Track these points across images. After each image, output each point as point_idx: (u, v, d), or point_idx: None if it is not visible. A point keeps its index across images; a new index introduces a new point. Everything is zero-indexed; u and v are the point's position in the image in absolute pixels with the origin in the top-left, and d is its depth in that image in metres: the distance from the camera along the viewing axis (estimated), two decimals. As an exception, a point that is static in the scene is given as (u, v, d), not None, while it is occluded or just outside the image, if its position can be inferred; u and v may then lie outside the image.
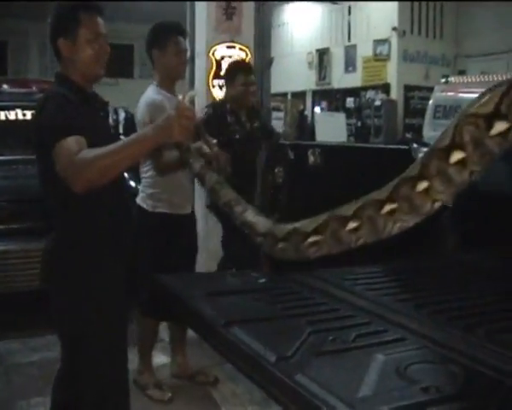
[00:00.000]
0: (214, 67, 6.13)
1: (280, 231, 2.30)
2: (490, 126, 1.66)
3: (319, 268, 3.18)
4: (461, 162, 1.72)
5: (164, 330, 5.33)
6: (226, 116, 5.03)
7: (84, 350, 2.82)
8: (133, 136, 2.73)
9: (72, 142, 2.55)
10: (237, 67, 5.28)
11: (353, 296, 2.89)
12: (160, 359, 5.09)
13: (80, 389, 2.88)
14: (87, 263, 2.78)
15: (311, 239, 2.16)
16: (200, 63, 6.33)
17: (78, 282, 2.78)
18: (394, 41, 16.91)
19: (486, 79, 12.11)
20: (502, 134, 1.66)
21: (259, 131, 5.13)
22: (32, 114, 6.98)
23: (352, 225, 2.05)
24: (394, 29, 16.79)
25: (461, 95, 12.32)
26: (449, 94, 12.58)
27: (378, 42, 17.23)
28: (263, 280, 3.19)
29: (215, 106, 5.27)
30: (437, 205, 1.84)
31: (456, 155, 1.72)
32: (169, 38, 4.29)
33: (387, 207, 1.94)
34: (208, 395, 4.53)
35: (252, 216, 2.55)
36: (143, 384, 4.46)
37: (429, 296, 2.88)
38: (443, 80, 12.96)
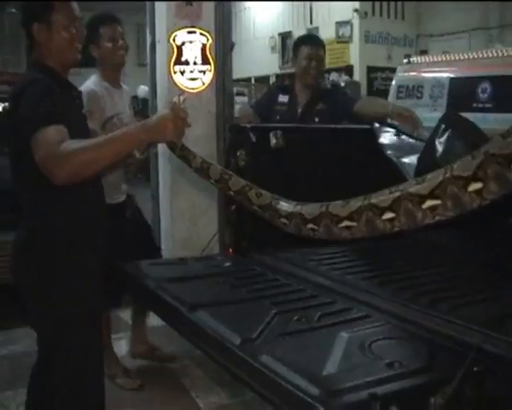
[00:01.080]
0: (175, 53, 6.08)
1: (309, 212, 2.27)
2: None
3: (284, 249, 3.20)
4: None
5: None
6: (277, 95, 4.77)
7: (60, 345, 2.72)
8: (120, 131, 2.66)
9: (53, 131, 2.45)
10: (302, 38, 5.16)
11: (318, 276, 2.90)
12: (127, 348, 5.07)
13: (56, 384, 2.79)
14: (61, 256, 2.66)
15: (344, 224, 2.14)
16: (160, 49, 6.27)
17: (53, 275, 2.67)
18: (356, 23, 16.92)
19: (448, 59, 12.18)
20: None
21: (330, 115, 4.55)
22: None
23: (388, 215, 2.03)
24: (356, 11, 16.80)
25: (423, 74, 12.38)
26: (411, 74, 12.62)
27: (340, 24, 17.22)
28: (227, 264, 3.19)
29: (274, 88, 5.28)
30: (484, 203, 1.84)
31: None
32: (101, 28, 4.25)
33: (429, 203, 1.93)
34: (177, 380, 4.52)
35: (271, 198, 2.51)
36: (111, 374, 4.43)
37: (393, 274, 2.90)
38: (405, 61, 12.97)
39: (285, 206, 2.42)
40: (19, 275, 2.76)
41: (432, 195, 1.91)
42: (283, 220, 2.39)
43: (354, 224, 2.13)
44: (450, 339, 2.21)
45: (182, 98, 2.70)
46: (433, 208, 1.93)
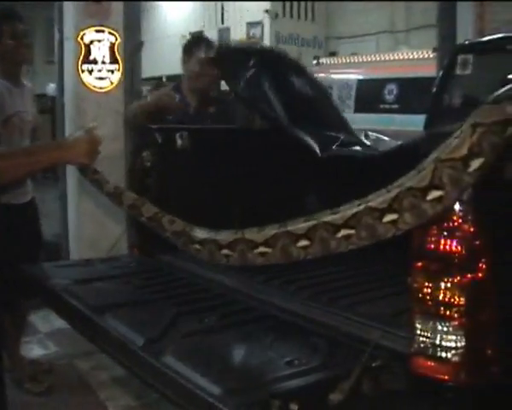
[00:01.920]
0: (83, 52, 6.01)
1: (224, 238, 2.28)
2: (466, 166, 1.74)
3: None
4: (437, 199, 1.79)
5: (41, 323, 5.26)
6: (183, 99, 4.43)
7: None
8: (35, 146, 2.60)
9: None
10: (193, 42, 4.73)
11: (222, 276, 2.92)
12: (35, 351, 5.02)
13: None
14: None
15: (259, 249, 2.16)
16: (68, 47, 6.19)
17: None
18: (267, 23, 17.04)
19: (356, 60, 12.42)
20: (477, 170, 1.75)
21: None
22: None
23: (303, 242, 2.06)
24: (267, 11, 16.92)
25: (332, 76, 12.58)
26: (320, 75, 12.79)
27: (251, 24, 17.31)
28: (133, 264, 3.19)
29: (177, 86, 4.67)
30: (398, 233, 1.90)
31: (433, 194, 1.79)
32: (2, 25, 4.18)
33: (343, 232, 1.98)
34: (85, 382, 4.49)
35: (183, 225, 2.51)
36: (18, 379, 4.36)
37: (292, 275, 2.93)
38: (314, 62, 13.18)
39: (199, 232, 2.43)
40: None
41: (346, 224, 1.97)
42: (197, 247, 2.40)
43: (269, 250, 2.16)
44: (348, 336, 2.27)
45: (95, 125, 2.71)
46: (347, 237, 1.99)
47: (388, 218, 1.89)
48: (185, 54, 4.59)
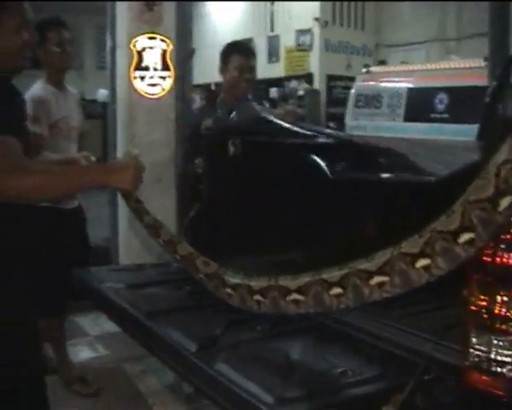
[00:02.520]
0: (136, 59, 6.08)
1: (257, 283, 2.27)
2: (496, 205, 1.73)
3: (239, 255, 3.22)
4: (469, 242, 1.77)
5: (90, 326, 5.32)
6: (216, 110, 4.18)
7: None
8: (82, 167, 2.58)
9: (12, 142, 2.30)
10: (231, 47, 4.51)
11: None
12: (85, 354, 5.07)
13: None
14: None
15: (292, 297, 2.15)
16: (121, 54, 6.26)
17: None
18: (316, 31, 17.02)
19: (406, 69, 12.35)
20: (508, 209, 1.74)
21: None
22: None
23: (336, 290, 2.06)
24: (316, 19, 16.90)
25: (381, 84, 12.52)
26: (370, 83, 12.77)
27: (300, 32, 17.31)
28: (184, 270, 3.19)
29: (209, 95, 4.71)
30: (432, 279, 1.89)
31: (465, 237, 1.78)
32: (47, 32, 4.25)
33: (376, 279, 1.96)
34: (133, 386, 4.52)
35: (216, 268, 2.49)
36: (67, 381, 4.42)
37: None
38: (364, 70, 13.13)
39: (231, 276, 2.39)
40: None
41: (380, 271, 1.95)
42: (228, 291, 2.35)
43: (302, 298, 2.13)
44: (401, 347, 2.25)
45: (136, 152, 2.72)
46: (381, 284, 1.97)
47: (421, 263, 1.87)
48: (222, 60, 4.41)
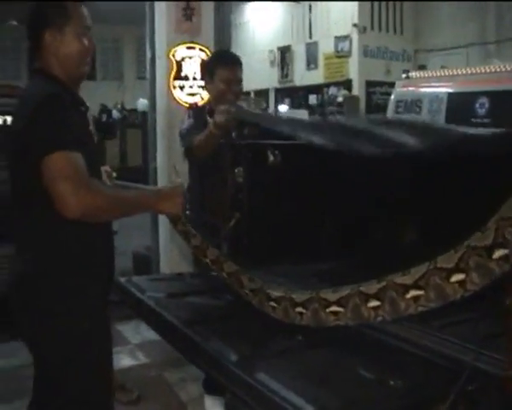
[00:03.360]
0: (175, 69, 6.14)
1: (299, 296, 2.32)
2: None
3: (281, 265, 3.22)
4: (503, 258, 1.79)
5: (131, 334, 5.36)
6: (206, 118, 3.92)
7: (70, 382, 2.52)
8: (138, 192, 2.64)
9: (77, 158, 2.32)
10: (217, 58, 4.32)
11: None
12: (126, 361, 5.12)
13: None
14: (67, 285, 2.49)
15: (332, 308, 2.19)
16: (160, 64, 6.32)
17: (57, 308, 2.48)
18: (355, 37, 16.99)
19: (446, 74, 12.23)
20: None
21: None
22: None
23: (373, 303, 2.09)
24: (355, 25, 16.87)
25: (422, 89, 12.42)
26: (410, 89, 12.66)
27: (339, 38, 17.30)
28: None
29: (196, 112, 4.18)
30: (466, 294, 1.91)
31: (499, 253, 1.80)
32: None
33: (412, 293, 2.00)
34: (174, 394, 4.55)
35: (261, 284, 2.55)
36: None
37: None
38: (404, 75, 13.02)
39: (275, 289, 2.47)
40: (20, 310, 2.56)
41: (416, 285, 1.99)
42: (272, 304, 2.43)
43: (341, 309, 2.18)
44: (443, 357, 2.22)
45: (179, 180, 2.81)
46: (416, 298, 2.00)
47: (456, 278, 1.89)
48: (208, 71, 4.18)
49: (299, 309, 2.31)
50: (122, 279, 3.32)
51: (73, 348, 2.50)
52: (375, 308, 2.10)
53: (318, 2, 17.89)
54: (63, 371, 2.52)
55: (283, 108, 18.64)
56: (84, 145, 2.42)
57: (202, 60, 6.17)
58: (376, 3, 17.24)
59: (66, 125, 2.37)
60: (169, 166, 5.93)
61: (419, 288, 1.98)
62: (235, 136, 3.72)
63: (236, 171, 3.35)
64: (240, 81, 4.08)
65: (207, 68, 4.21)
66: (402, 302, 2.03)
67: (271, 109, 18.59)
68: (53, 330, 2.49)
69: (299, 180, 3.36)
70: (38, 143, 2.33)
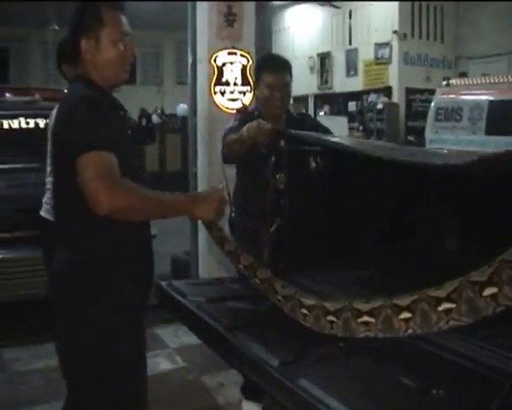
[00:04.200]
0: (216, 74, 6.16)
1: (332, 304, 2.32)
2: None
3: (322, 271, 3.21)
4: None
5: (169, 337, 5.39)
6: None
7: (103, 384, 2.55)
8: (173, 196, 2.62)
9: (110, 158, 2.37)
10: (262, 63, 4.24)
11: (357, 300, 2.90)
12: (164, 365, 5.14)
13: None
14: (107, 286, 2.53)
15: (363, 319, 2.19)
16: (201, 69, 6.35)
17: (97, 307, 2.52)
18: (395, 44, 16.93)
19: (488, 81, 12.13)
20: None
21: None
22: (39, 121, 7.05)
23: (405, 315, 2.09)
24: (395, 32, 16.81)
25: (462, 97, 12.33)
26: (450, 96, 12.59)
27: (379, 45, 17.25)
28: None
29: (243, 116, 4.08)
30: (498, 309, 1.90)
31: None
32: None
33: (444, 306, 2.00)
34: (212, 399, 4.56)
35: (295, 291, 2.56)
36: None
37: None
38: (444, 83, 12.96)
39: (308, 297, 2.47)
40: (60, 308, 2.61)
41: (448, 298, 1.99)
42: (304, 311, 2.43)
43: (372, 320, 2.18)
44: (487, 367, 2.20)
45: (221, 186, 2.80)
46: (448, 311, 2.00)
47: (488, 292, 1.88)
48: (255, 75, 4.17)
49: (331, 318, 2.30)
50: (163, 283, 3.34)
51: (105, 348, 2.52)
52: (406, 320, 2.09)
53: (359, 9, 17.85)
54: (95, 371, 2.55)
55: (320, 114, 18.63)
56: (121, 148, 2.46)
57: (243, 65, 6.20)
58: (417, 10, 17.15)
59: (100, 126, 2.43)
60: (209, 172, 5.96)
61: (451, 301, 1.97)
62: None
63: (278, 177, 3.36)
64: (287, 85, 4.02)
65: (254, 73, 4.22)
66: (433, 315, 2.03)
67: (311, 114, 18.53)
68: (85, 330, 2.53)
69: (340, 186, 3.36)
70: (74, 142, 2.40)
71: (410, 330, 2.10)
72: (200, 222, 5.74)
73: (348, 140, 3.64)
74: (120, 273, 2.57)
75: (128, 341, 2.58)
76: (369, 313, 2.18)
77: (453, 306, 1.97)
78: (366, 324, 2.19)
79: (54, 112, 4.12)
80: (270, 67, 4.03)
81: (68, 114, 2.48)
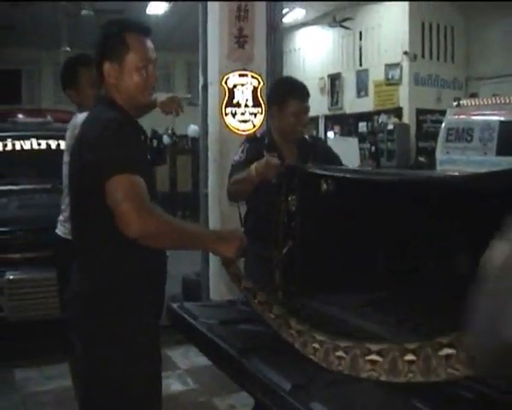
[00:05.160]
0: (227, 96, 6.18)
1: (343, 341, 2.34)
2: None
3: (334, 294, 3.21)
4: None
5: (180, 359, 5.38)
6: (263, 152, 3.75)
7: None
8: (199, 229, 2.67)
9: (141, 182, 2.40)
10: (288, 89, 4.08)
11: (370, 323, 2.89)
12: (175, 386, 5.13)
13: None
14: (125, 308, 2.55)
15: (370, 357, 2.21)
16: (212, 92, 6.38)
17: (115, 330, 2.54)
18: (406, 65, 16.92)
19: (498, 101, 12.12)
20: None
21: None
22: (51, 142, 7.07)
23: (410, 357, 2.13)
24: (405, 53, 16.82)
25: (473, 117, 12.32)
26: (461, 117, 12.58)
27: (389, 66, 17.25)
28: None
29: (252, 145, 4.05)
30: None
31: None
32: (78, 71, 4.52)
33: (445, 351, 2.04)
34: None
35: (309, 327, 2.57)
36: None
37: (425, 317, 2.86)
38: (455, 103, 12.94)
39: (321, 333, 2.47)
40: (80, 328, 2.62)
41: (449, 344, 2.04)
42: (315, 345, 2.43)
43: (380, 359, 2.20)
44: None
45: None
46: (447, 357, 2.05)
47: None
48: (278, 102, 4.03)
49: (340, 353, 2.31)
50: (174, 305, 3.34)
51: (128, 369, 2.54)
52: (410, 362, 2.13)
53: (369, 30, 17.89)
54: (116, 391, 2.56)
55: (330, 135, 18.64)
56: (143, 171, 2.48)
57: (254, 87, 6.22)
58: (427, 31, 17.16)
59: (129, 149, 2.46)
60: (220, 193, 5.96)
61: (452, 347, 2.02)
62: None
63: (290, 199, 3.36)
64: (308, 111, 4.02)
65: (277, 98, 4.06)
66: (434, 359, 2.07)
67: (321, 136, 18.56)
68: (108, 351, 2.54)
69: (352, 210, 3.35)
70: (104, 164, 2.41)
71: (410, 374, 2.14)
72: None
73: (359, 174, 3.62)
74: (141, 295, 2.59)
75: (150, 362, 2.62)
76: (378, 353, 2.21)
77: (453, 352, 2.03)
78: (373, 362, 2.21)
79: (69, 133, 4.16)
80: (297, 95, 3.98)
81: (96, 136, 2.50)
